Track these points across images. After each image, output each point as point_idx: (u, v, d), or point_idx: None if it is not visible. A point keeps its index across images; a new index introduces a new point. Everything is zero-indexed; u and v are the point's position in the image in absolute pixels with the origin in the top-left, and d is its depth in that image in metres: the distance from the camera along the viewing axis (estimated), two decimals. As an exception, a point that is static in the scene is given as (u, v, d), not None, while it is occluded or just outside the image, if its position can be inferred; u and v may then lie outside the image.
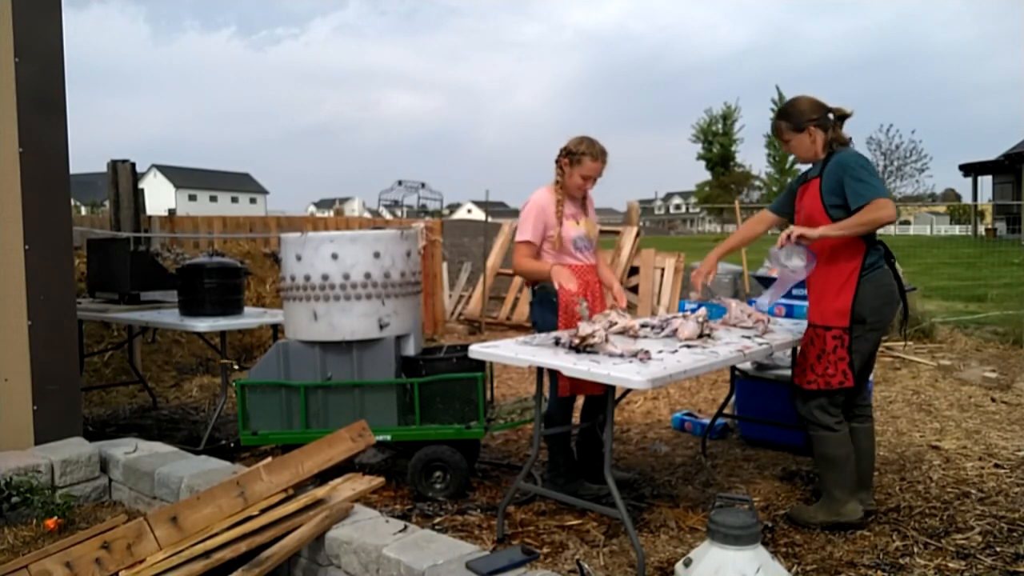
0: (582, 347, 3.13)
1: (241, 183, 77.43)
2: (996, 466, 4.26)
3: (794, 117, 3.43)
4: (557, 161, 3.77)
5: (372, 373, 3.93)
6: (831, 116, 3.40)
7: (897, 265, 3.52)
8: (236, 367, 5.79)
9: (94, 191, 33.91)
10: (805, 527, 3.37)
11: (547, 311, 3.75)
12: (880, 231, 3.41)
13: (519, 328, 9.80)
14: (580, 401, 3.98)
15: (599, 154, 3.71)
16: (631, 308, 9.54)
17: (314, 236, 3.95)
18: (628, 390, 4.05)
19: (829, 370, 3.31)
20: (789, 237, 3.31)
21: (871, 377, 4.66)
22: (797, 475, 4.14)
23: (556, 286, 3.54)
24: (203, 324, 4.73)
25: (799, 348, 3.52)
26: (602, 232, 6.22)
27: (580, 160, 3.69)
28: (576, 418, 4.09)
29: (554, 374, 3.32)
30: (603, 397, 3.79)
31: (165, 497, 3.53)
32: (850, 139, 3.44)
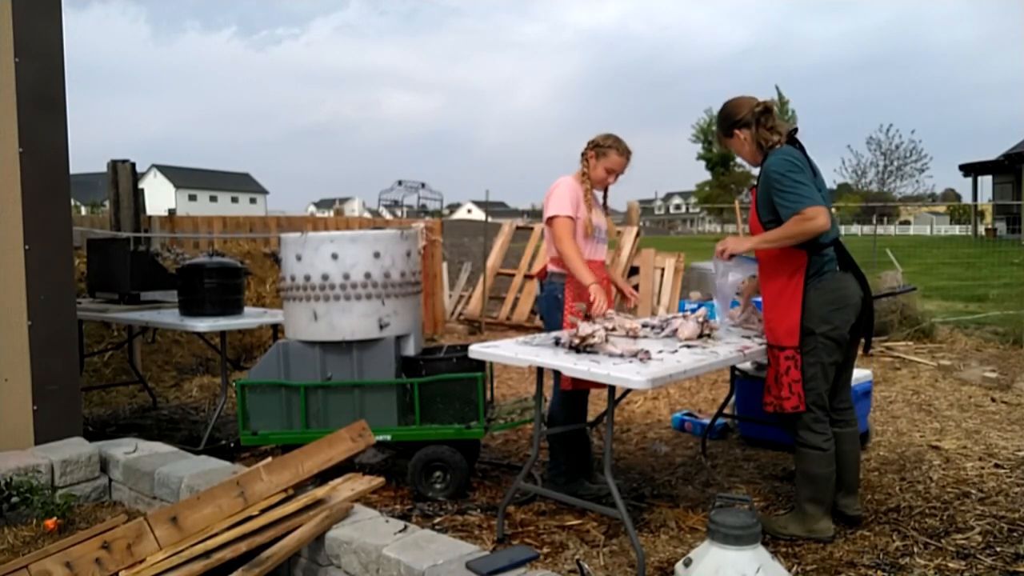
0: (582, 347, 3.13)
1: (241, 183, 77.41)
2: (996, 466, 4.26)
3: (722, 122, 3.36)
4: (583, 154, 3.82)
5: (372, 373, 3.93)
6: (755, 111, 3.23)
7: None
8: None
9: (94, 191, 33.91)
10: (776, 538, 3.29)
11: (553, 308, 3.77)
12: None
13: (519, 328, 9.80)
14: None
15: (624, 151, 3.80)
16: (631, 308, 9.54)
17: (314, 236, 3.95)
18: (628, 390, 4.05)
19: (783, 392, 3.19)
20: (723, 254, 3.32)
21: (870, 379, 4.68)
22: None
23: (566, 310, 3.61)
24: (203, 324, 4.73)
25: None
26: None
27: (606, 153, 3.76)
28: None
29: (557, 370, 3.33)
30: (586, 393, 3.84)
31: (165, 497, 3.53)
32: (792, 131, 3.24)
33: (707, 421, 4.89)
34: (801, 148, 3.25)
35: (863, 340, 3.46)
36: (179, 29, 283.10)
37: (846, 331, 3.21)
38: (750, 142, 3.27)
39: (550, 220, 3.69)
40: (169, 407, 6.11)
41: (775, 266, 3.23)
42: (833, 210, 3.31)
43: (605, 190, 3.97)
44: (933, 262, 16.67)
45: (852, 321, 3.22)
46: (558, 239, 3.64)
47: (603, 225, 3.88)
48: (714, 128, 3.37)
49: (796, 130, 3.27)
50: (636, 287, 10.23)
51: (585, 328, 3.16)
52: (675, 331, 3.56)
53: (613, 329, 3.40)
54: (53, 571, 2.68)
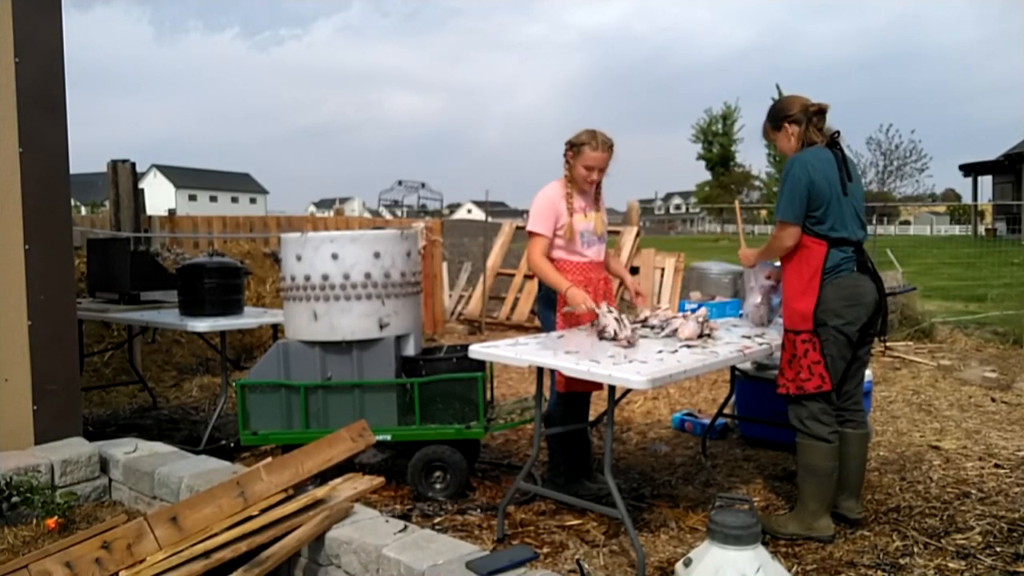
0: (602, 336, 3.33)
1: (241, 183, 77.38)
2: (996, 466, 4.26)
3: (773, 115, 3.45)
4: (565, 154, 3.79)
5: (372, 373, 3.93)
6: (809, 111, 3.34)
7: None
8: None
9: (94, 191, 33.86)
10: (774, 537, 3.30)
11: (549, 309, 3.77)
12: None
13: (519, 328, 9.80)
14: None
15: (600, 144, 3.70)
16: (632, 309, 9.54)
17: (314, 236, 3.95)
18: (628, 390, 4.06)
19: (802, 374, 3.26)
20: (747, 262, 3.79)
21: (870, 379, 4.68)
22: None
23: (559, 310, 3.68)
24: (203, 324, 4.72)
25: None
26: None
27: (580, 150, 3.71)
28: None
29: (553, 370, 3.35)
30: (587, 396, 3.87)
31: (165, 497, 3.53)
32: (835, 134, 3.35)
33: (707, 421, 4.89)
34: (841, 151, 3.37)
35: (878, 336, 3.60)
36: (182, 30, 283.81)
37: (856, 328, 3.29)
38: (796, 137, 3.38)
39: (528, 233, 3.76)
40: (169, 407, 6.10)
41: (798, 259, 3.33)
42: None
43: (598, 187, 3.86)
44: (933, 262, 16.65)
45: (864, 320, 3.30)
46: (528, 256, 3.75)
47: (592, 227, 3.79)
48: (764, 120, 3.52)
49: (839, 133, 3.38)
50: (636, 287, 10.23)
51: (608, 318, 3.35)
52: (675, 331, 3.56)
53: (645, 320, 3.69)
54: (53, 571, 2.68)
